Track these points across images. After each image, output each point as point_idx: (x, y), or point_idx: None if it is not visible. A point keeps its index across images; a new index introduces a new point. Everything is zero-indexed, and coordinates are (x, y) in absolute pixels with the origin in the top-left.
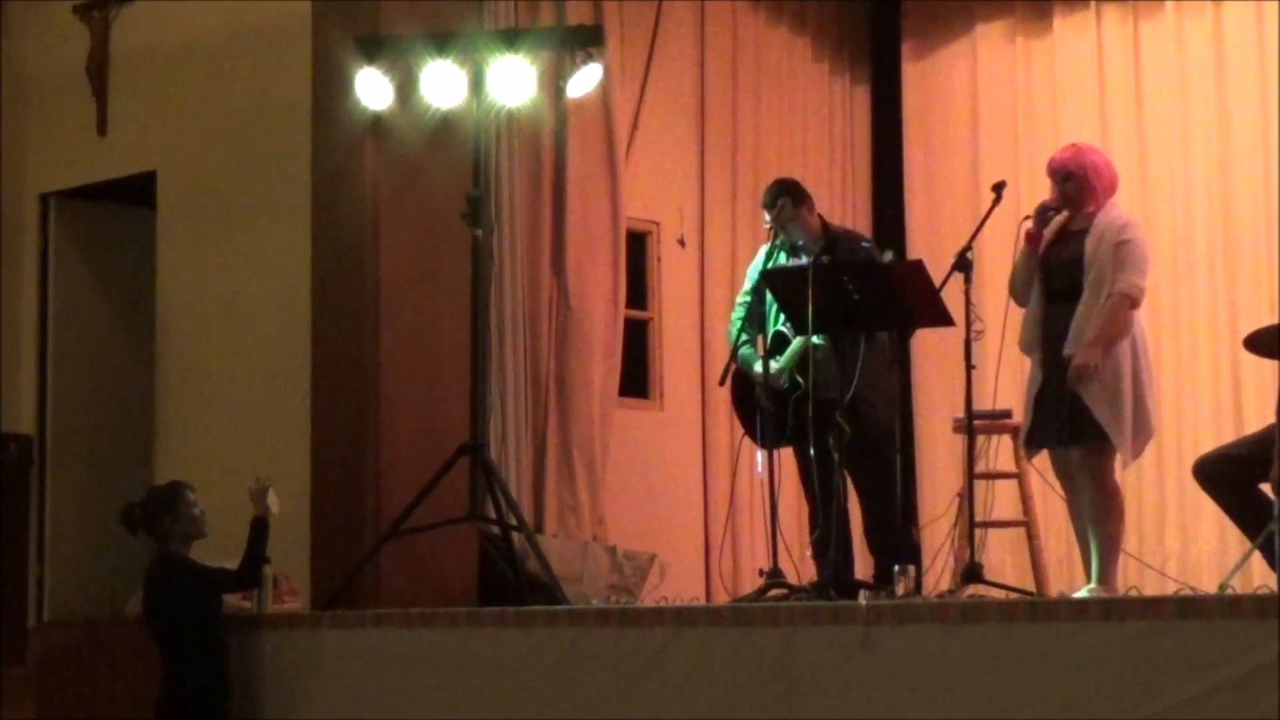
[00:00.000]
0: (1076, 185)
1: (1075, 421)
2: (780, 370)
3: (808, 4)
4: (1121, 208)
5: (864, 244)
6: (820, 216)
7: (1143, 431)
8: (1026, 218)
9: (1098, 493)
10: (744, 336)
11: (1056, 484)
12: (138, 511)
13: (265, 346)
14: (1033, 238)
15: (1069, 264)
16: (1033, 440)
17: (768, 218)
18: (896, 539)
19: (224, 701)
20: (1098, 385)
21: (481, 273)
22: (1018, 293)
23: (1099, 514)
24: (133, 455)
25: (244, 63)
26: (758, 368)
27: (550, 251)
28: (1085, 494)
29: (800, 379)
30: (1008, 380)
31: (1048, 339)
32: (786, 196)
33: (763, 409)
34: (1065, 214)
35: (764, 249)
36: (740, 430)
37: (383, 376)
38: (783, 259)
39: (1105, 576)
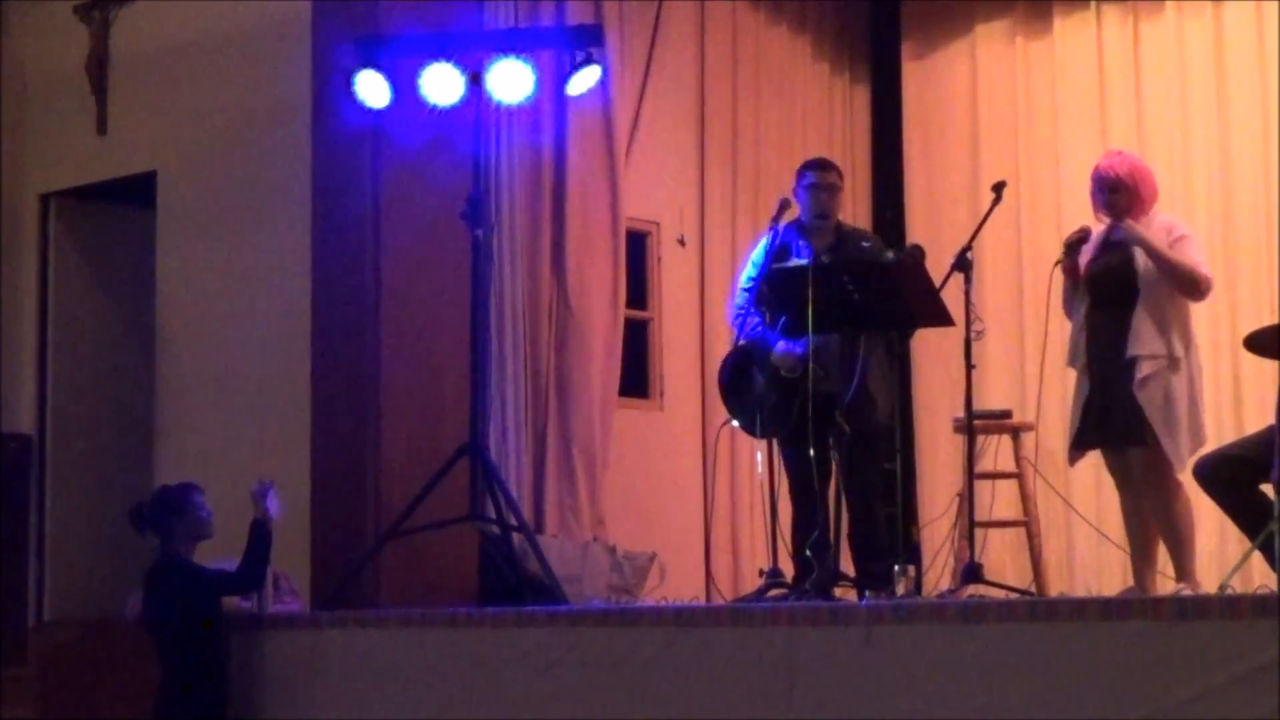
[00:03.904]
0: (1127, 196)
1: (1132, 424)
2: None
3: (808, 4)
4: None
5: (864, 243)
6: None
7: (1196, 438)
8: (1056, 263)
9: (1161, 492)
10: (754, 320)
11: (1056, 484)
12: (146, 511)
13: (265, 347)
14: (1070, 270)
15: (1114, 271)
16: (1079, 443)
17: (812, 177)
18: (878, 543)
19: (223, 701)
20: (1158, 393)
21: (481, 273)
22: (1068, 314)
23: (1163, 514)
24: (133, 455)
25: (244, 63)
26: (780, 346)
27: (550, 251)
28: (1148, 495)
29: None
30: (1015, 381)
31: (1093, 345)
32: (838, 173)
33: (763, 395)
34: (1101, 228)
35: (766, 238)
36: (732, 429)
37: (383, 377)
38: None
39: (1185, 574)
